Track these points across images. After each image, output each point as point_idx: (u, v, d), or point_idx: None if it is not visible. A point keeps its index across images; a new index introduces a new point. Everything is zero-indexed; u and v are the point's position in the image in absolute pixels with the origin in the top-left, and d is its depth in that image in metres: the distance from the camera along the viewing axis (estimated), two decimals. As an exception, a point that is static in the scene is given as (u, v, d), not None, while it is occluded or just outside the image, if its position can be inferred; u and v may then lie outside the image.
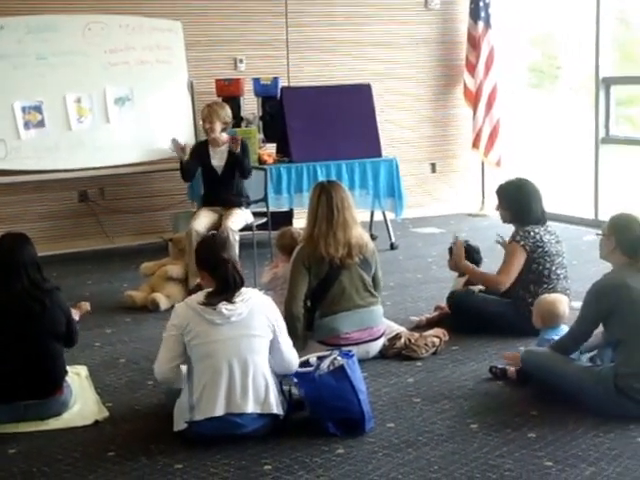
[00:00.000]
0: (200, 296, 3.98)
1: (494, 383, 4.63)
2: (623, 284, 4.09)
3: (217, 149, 7.01)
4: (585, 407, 4.15)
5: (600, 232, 4.34)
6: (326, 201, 4.93)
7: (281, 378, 4.11)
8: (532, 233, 5.38)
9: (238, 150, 6.77)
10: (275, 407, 3.95)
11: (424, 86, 9.86)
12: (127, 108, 7.98)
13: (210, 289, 3.99)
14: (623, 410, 4.05)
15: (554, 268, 5.38)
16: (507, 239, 5.52)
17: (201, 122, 7.22)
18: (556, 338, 4.58)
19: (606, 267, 4.38)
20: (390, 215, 8.40)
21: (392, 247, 8.24)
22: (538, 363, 4.44)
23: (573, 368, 4.27)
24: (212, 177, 7.02)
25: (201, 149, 7.10)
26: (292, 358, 4.10)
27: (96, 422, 4.22)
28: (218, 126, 6.97)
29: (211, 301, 3.92)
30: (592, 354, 4.46)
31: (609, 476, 3.53)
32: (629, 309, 4.06)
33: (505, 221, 5.61)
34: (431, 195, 10.05)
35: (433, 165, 10.03)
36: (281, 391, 4.06)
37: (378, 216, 8.55)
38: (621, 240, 4.20)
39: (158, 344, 5.10)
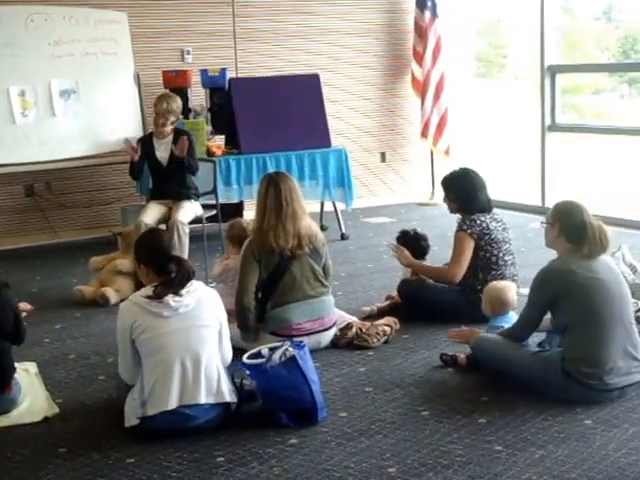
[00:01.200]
0: (146, 291, 3.95)
1: (445, 370, 4.67)
2: (568, 270, 4.14)
3: (161, 141, 6.97)
4: (534, 392, 4.20)
5: (544, 221, 4.39)
6: (274, 193, 4.92)
7: (233, 370, 4.11)
8: (478, 221, 5.43)
9: (184, 154, 6.71)
10: (228, 395, 3.95)
11: (372, 76, 9.88)
12: (73, 101, 7.89)
13: (155, 284, 3.96)
14: (571, 394, 4.11)
15: (502, 255, 5.43)
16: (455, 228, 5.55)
17: (151, 114, 7.13)
18: (505, 325, 4.64)
19: (553, 254, 4.43)
20: (340, 205, 8.42)
21: (343, 237, 8.26)
22: (488, 350, 4.48)
23: (522, 354, 4.32)
24: (158, 169, 6.98)
25: (145, 142, 7.04)
26: (229, 352, 4.12)
27: (46, 418, 4.17)
28: (171, 121, 6.94)
29: (158, 294, 3.90)
30: (540, 340, 4.51)
31: (557, 458, 3.58)
32: (575, 295, 4.11)
33: (452, 211, 5.65)
34: (381, 185, 10.09)
35: (383, 155, 10.06)
36: (233, 383, 4.06)
37: (328, 207, 8.56)
38: (565, 227, 4.25)
39: (108, 339, 5.11)
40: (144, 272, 4.07)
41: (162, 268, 3.95)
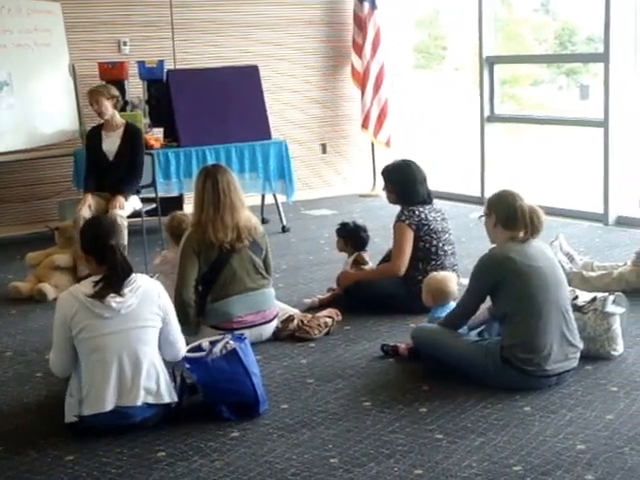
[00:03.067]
0: (87, 286, 3.86)
1: (386, 361, 4.69)
2: (508, 258, 4.19)
3: (110, 133, 6.86)
4: (474, 380, 4.23)
5: (482, 213, 4.44)
6: (212, 186, 4.89)
7: (173, 364, 4.07)
8: (417, 212, 5.46)
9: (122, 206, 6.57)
10: (167, 397, 3.91)
11: (312, 68, 9.87)
12: (6, 94, 7.71)
13: (97, 277, 3.88)
14: (509, 381, 4.15)
15: (441, 245, 5.47)
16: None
17: (87, 105, 7.02)
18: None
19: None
20: (281, 198, 8.40)
21: (284, 230, 8.25)
22: (428, 339, 4.51)
23: (462, 343, 4.35)
24: (102, 162, 6.83)
25: (93, 134, 6.93)
26: (181, 345, 4.05)
27: (-18, 417, 4.11)
28: (108, 104, 6.81)
29: (99, 293, 3.81)
30: (480, 329, 4.55)
31: (497, 445, 3.62)
32: (514, 282, 4.16)
33: (391, 202, 5.67)
34: (322, 177, 10.09)
35: (323, 146, 10.06)
36: (173, 378, 4.02)
37: (269, 199, 8.54)
38: (499, 214, 4.30)
39: (46, 336, 5.02)
40: (86, 259, 4.00)
41: (102, 257, 3.87)
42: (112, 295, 3.81)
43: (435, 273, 5.08)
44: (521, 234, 4.25)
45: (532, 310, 4.13)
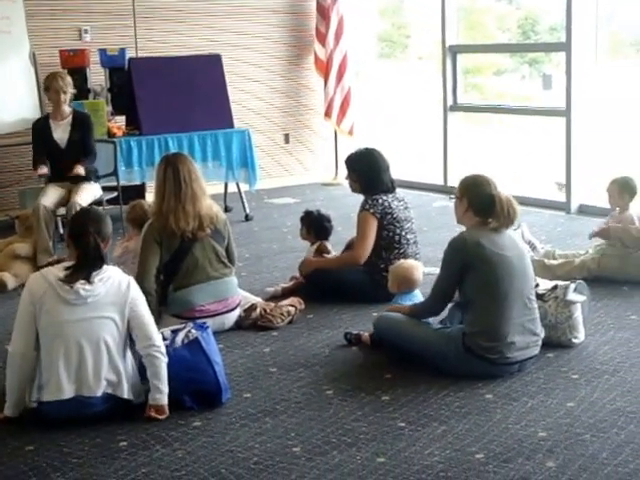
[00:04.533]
0: (59, 270, 3.85)
1: (349, 349, 4.69)
2: (477, 242, 4.18)
3: (60, 122, 6.80)
4: (436, 368, 4.25)
5: (453, 195, 4.42)
6: (173, 175, 4.85)
7: (138, 356, 4.02)
8: (380, 200, 5.46)
9: (82, 173, 6.57)
10: (126, 392, 3.87)
11: (275, 56, 9.83)
12: (-34, 81, 7.64)
13: (70, 263, 3.87)
14: (472, 369, 4.17)
15: (404, 233, 5.48)
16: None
17: (45, 92, 6.93)
18: (410, 303, 4.67)
19: (455, 233, 4.45)
20: (244, 186, 8.38)
21: (247, 218, 8.22)
22: (390, 328, 4.51)
23: (424, 331, 4.36)
24: (56, 151, 6.78)
25: (41, 125, 6.86)
26: (154, 331, 3.98)
27: (-60, 408, 4.05)
28: (67, 96, 6.78)
29: (69, 278, 3.80)
30: (442, 317, 4.56)
31: (459, 433, 3.64)
32: (481, 268, 4.17)
33: (354, 191, 5.67)
34: (285, 165, 10.06)
35: (286, 135, 10.04)
36: (139, 371, 3.98)
37: (232, 188, 8.51)
38: (472, 200, 4.28)
39: (6, 325, 4.96)
40: (68, 246, 4.00)
41: (78, 243, 3.87)
42: (82, 282, 3.79)
43: (402, 261, 5.09)
44: (493, 223, 4.24)
45: (496, 298, 4.14)
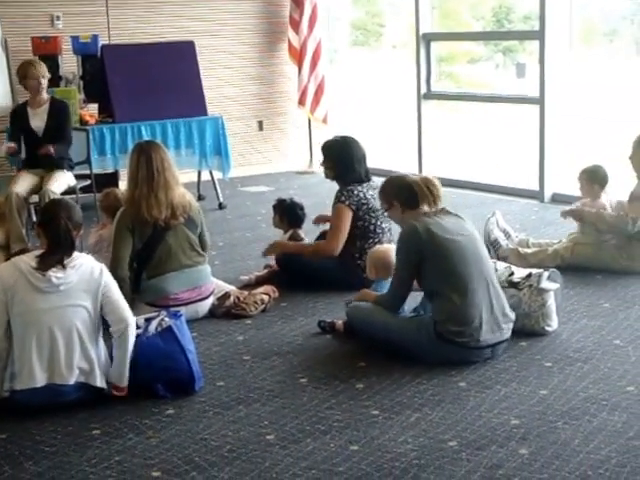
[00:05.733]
0: (30, 258, 3.82)
1: (323, 337, 4.69)
2: (427, 229, 4.22)
3: (37, 110, 6.75)
4: (410, 356, 4.26)
5: (384, 209, 4.51)
6: (145, 163, 4.83)
7: (110, 344, 4.00)
8: (355, 191, 5.45)
9: (51, 152, 6.52)
10: (99, 380, 3.86)
11: (248, 43, 9.78)
12: (-64, 68, 7.55)
13: (41, 251, 3.85)
14: (444, 355, 4.19)
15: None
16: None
17: (22, 81, 6.84)
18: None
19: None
20: (218, 174, 8.35)
21: (220, 207, 8.19)
22: (362, 318, 4.52)
23: (396, 319, 4.37)
24: (32, 139, 6.72)
25: (19, 112, 6.81)
26: (128, 314, 3.96)
27: None
28: (45, 82, 6.74)
29: (41, 265, 3.78)
30: (415, 306, 4.57)
31: (432, 420, 3.65)
32: (435, 255, 4.20)
33: (328, 177, 5.66)
34: (259, 153, 10.03)
35: (260, 123, 10.00)
36: (111, 359, 3.97)
37: (205, 176, 8.47)
38: (400, 199, 4.38)
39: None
40: (38, 235, 3.99)
41: (48, 231, 3.87)
42: (54, 270, 3.78)
43: (379, 246, 5.10)
44: (425, 207, 4.31)
45: (456, 283, 4.17)
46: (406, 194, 4.35)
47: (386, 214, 4.48)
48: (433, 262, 4.20)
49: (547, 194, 7.98)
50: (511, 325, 4.33)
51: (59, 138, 6.69)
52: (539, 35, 7.79)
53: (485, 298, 4.21)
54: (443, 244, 4.19)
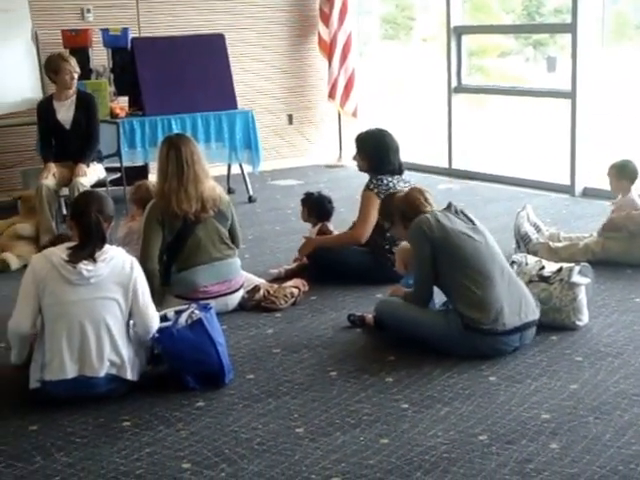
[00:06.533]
0: (61, 250, 3.84)
1: (353, 331, 4.69)
2: (437, 220, 4.26)
3: (63, 102, 6.78)
4: (440, 350, 4.24)
5: (386, 225, 4.59)
6: (175, 157, 4.83)
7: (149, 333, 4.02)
8: (385, 181, 5.44)
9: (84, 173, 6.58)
10: (130, 373, 3.87)
11: (279, 37, 9.78)
12: (-33, 61, 7.60)
13: (73, 243, 3.87)
14: (474, 346, 4.18)
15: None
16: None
17: (53, 75, 6.87)
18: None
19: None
20: (247, 168, 8.35)
21: (250, 200, 8.20)
22: (392, 313, 4.50)
23: (425, 313, 4.36)
24: (60, 132, 6.77)
25: (45, 106, 6.84)
26: (154, 320, 3.98)
27: (-57, 388, 4.06)
28: (76, 78, 6.80)
29: (72, 258, 3.79)
30: (445, 300, 4.55)
31: (462, 415, 3.63)
32: (448, 245, 4.22)
33: (361, 170, 5.65)
34: (289, 147, 10.04)
35: (290, 116, 10.00)
36: (149, 350, 4.01)
37: (236, 169, 8.48)
38: (404, 216, 4.41)
39: (9, 306, 4.93)
40: (70, 227, 4.00)
41: (80, 223, 3.88)
42: (85, 262, 3.78)
43: None
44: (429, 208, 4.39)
45: (471, 271, 4.19)
46: (403, 207, 4.41)
47: (391, 230, 4.53)
48: (446, 251, 4.22)
49: (578, 188, 7.92)
50: (537, 309, 4.32)
51: (87, 131, 6.72)
52: (571, 28, 7.73)
53: (503, 283, 4.22)
54: (453, 232, 4.23)
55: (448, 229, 4.23)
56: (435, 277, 4.33)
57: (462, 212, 4.40)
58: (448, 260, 4.22)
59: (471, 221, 4.37)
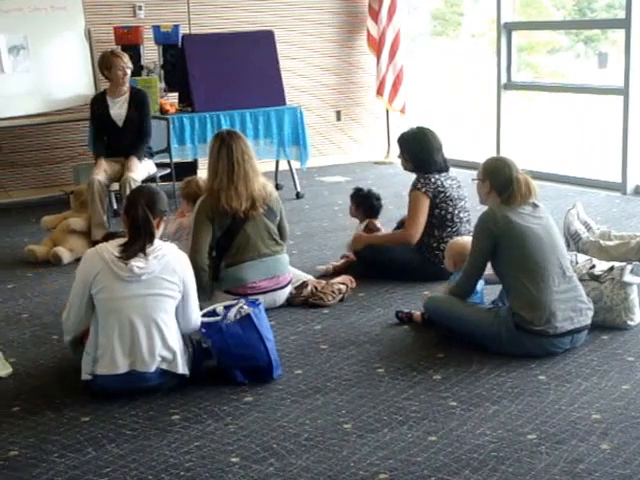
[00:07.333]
0: (113, 247, 3.87)
1: (400, 328, 4.68)
2: (504, 215, 4.23)
3: (117, 99, 6.86)
4: (488, 348, 4.22)
5: (475, 177, 4.47)
6: (226, 155, 4.84)
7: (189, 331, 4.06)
8: (432, 179, 5.42)
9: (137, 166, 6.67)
10: (181, 367, 3.90)
11: (327, 33, 9.79)
12: (22, 57, 7.71)
13: (124, 239, 3.90)
14: (524, 347, 4.15)
15: (457, 212, 5.44)
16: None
17: (106, 71, 6.95)
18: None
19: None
20: (295, 164, 8.37)
21: (298, 196, 8.22)
22: (440, 309, 4.49)
23: (474, 311, 4.34)
24: (112, 128, 6.86)
25: (99, 101, 6.93)
26: (196, 320, 4.02)
27: (-2, 378, 4.13)
28: (129, 74, 6.90)
29: (123, 254, 3.82)
30: (494, 299, 4.54)
31: (511, 413, 3.61)
32: (511, 245, 4.19)
33: (407, 170, 5.63)
34: (336, 143, 10.04)
35: (338, 113, 10.01)
36: (196, 343, 4.04)
37: (283, 165, 8.51)
38: (494, 183, 4.35)
39: (61, 298, 5.05)
40: (124, 222, 4.02)
41: (128, 215, 3.91)
42: (136, 259, 3.81)
43: (458, 238, 5.05)
44: (514, 202, 4.29)
45: (531, 272, 4.15)
46: (503, 185, 4.32)
47: (475, 182, 4.47)
48: (509, 251, 4.19)
49: (630, 186, 7.83)
50: (590, 313, 4.27)
51: (139, 129, 6.80)
52: (625, 24, 7.63)
53: (561, 285, 4.17)
54: (519, 230, 4.19)
55: (516, 228, 4.19)
56: (500, 275, 4.32)
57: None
58: (510, 258, 4.20)
59: (534, 205, 4.35)
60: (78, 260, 4.06)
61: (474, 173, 4.57)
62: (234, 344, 3.97)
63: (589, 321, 4.27)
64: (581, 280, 4.47)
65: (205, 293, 4.80)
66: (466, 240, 4.89)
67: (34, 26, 7.71)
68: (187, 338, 4.03)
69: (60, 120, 8.14)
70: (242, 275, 4.90)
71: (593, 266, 4.60)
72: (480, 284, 4.53)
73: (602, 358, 4.16)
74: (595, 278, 4.51)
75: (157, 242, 3.92)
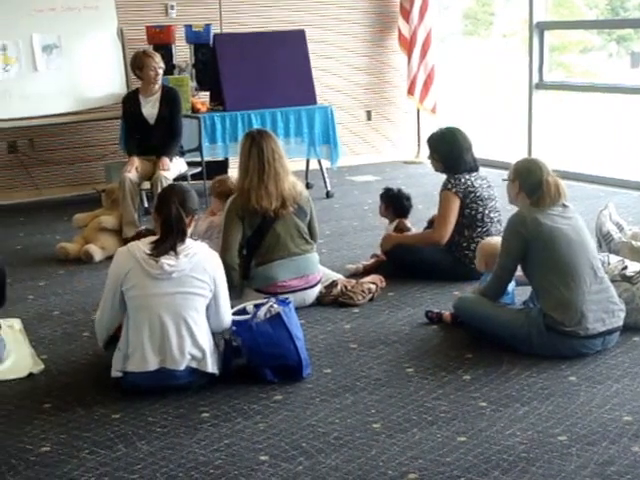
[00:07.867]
0: (144, 245, 3.89)
1: (430, 327, 4.68)
2: (534, 217, 4.21)
3: (149, 98, 6.91)
4: (518, 349, 4.21)
5: (505, 178, 4.47)
6: (257, 154, 4.85)
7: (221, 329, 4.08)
8: (462, 179, 5.40)
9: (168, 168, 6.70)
10: (210, 366, 3.91)
11: (358, 33, 9.78)
12: (55, 56, 7.78)
13: (155, 237, 3.92)
14: (555, 347, 4.13)
15: (487, 212, 5.42)
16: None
17: (138, 71, 7.00)
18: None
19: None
20: (326, 163, 8.37)
21: (328, 195, 8.22)
22: (470, 310, 4.48)
23: (505, 312, 4.33)
24: (144, 126, 6.91)
25: (131, 99, 6.98)
26: (227, 319, 4.03)
27: (30, 375, 4.16)
28: (161, 73, 6.95)
29: (154, 252, 3.83)
30: (525, 299, 4.52)
31: (541, 414, 3.60)
32: (541, 243, 4.17)
33: (437, 170, 5.62)
34: (367, 143, 10.03)
35: (369, 113, 9.99)
36: (218, 344, 4.05)
37: (314, 164, 8.51)
38: (524, 185, 4.34)
39: (93, 296, 5.09)
40: (155, 220, 4.04)
41: (160, 213, 3.93)
42: (167, 257, 3.83)
43: (489, 238, 5.04)
44: (543, 204, 4.28)
45: (562, 273, 4.13)
46: (533, 187, 4.31)
47: (505, 182, 4.47)
48: (539, 253, 4.17)
49: (662, 187, 7.77)
50: (622, 314, 4.24)
51: (170, 128, 6.83)
52: (657, 23, 7.57)
53: (591, 286, 4.15)
54: (549, 232, 4.17)
55: (546, 230, 4.17)
56: (529, 277, 4.31)
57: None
58: (541, 260, 4.18)
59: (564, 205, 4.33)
60: (109, 258, 4.09)
61: (505, 173, 4.55)
62: (264, 343, 3.98)
63: (621, 322, 4.24)
64: (613, 281, 4.44)
65: (235, 291, 4.81)
66: (497, 241, 4.86)
67: (67, 25, 7.78)
68: (217, 337, 4.04)
69: (92, 119, 8.20)
70: (272, 274, 4.91)
71: (625, 267, 4.56)
72: (511, 285, 4.51)
73: (634, 360, 4.13)
74: (627, 279, 4.48)
75: (188, 241, 3.93)
